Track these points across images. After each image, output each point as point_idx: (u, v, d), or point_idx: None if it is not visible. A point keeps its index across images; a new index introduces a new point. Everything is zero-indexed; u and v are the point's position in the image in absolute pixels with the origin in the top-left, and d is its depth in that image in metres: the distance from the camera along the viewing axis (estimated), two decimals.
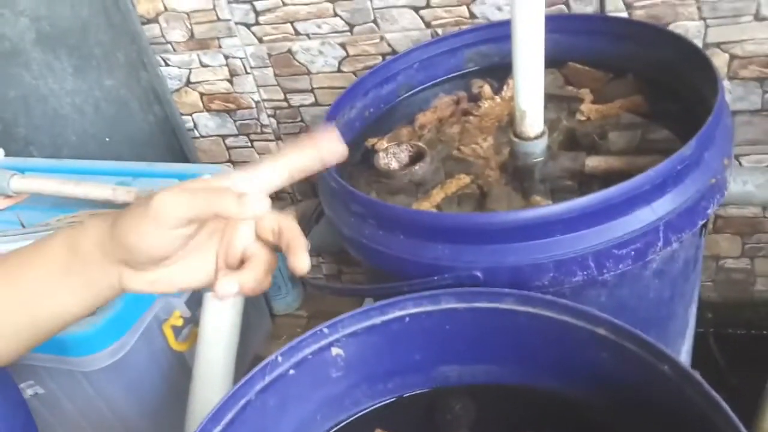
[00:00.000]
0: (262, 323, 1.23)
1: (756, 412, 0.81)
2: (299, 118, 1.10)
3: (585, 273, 0.56)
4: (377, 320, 0.58)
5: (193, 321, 0.97)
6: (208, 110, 1.13)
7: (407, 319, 0.58)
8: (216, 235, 0.46)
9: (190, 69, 1.09)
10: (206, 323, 0.92)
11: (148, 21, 1.05)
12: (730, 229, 1.03)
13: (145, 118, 1.15)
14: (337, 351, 0.58)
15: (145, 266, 0.45)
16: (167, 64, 1.09)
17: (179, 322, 0.92)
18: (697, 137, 0.56)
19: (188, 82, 1.10)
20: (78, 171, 1.14)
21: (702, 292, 1.08)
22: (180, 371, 0.99)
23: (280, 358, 0.55)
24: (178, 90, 1.12)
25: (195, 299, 0.94)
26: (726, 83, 0.88)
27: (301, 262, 0.44)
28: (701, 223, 0.59)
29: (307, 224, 0.82)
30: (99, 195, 1.03)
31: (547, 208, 0.54)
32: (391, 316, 0.58)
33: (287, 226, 0.45)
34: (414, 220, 0.58)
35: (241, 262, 0.46)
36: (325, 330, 0.57)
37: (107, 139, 1.20)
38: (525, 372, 0.60)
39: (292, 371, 0.56)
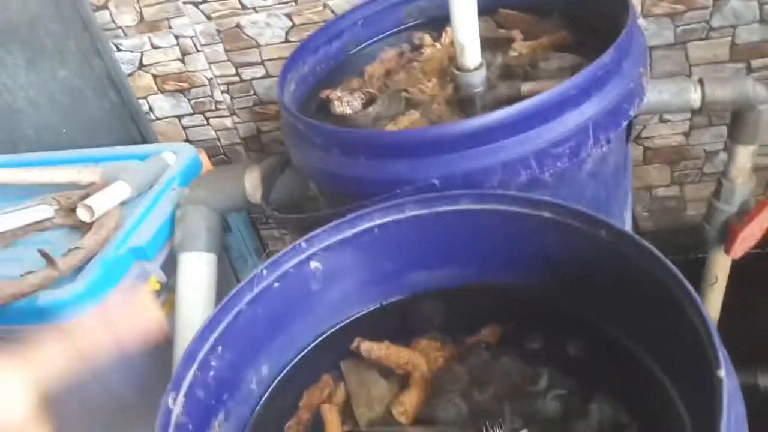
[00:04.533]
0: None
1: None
2: (252, 92, 1.15)
3: (528, 172, 0.63)
4: (348, 233, 0.64)
5: (170, 288, 1.01)
6: (162, 92, 1.17)
7: (376, 230, 0.64)
8: None
9: (141, 52, 1.13)
10: (182, 287, 0.96)
11: (98, 8, 1.09)
12: (658, 159, 1.12)
13: (100, 106, 1.19)
14: (316, 265, 0.64)
15: None
16: (119, 49, 1.13)
17: (156, 287, 0.96)
18: (614, 46, 0.64)
19: (141, 66, 1.14)
20: (38, 163, 1.16)
21: (639, 222, 1.18)
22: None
23: (264, 272, 0.61)
24: (131, 74, 1.16)
25: (170, 264, 0.98)
26: (641, 21, 0.97)
27: None
28: (625, 123, 0.67)
29: (272, 177, 0.88)
30: (64, 178, 1.06)
31: (491, 115, 0.61)
32: (360, 228, 0.64)
33: None
34: (374, 141, 0.65)
35: None
36: (303, 244, 0.63)
37: (64, 130, 1.23)
38: (484, 270, 0.67)
39: (276, 284, 0.62)
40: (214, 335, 0.57)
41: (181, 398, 0.53)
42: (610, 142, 0.67)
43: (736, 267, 0.93)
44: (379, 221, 0.64)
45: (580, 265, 0.59)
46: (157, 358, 1.01)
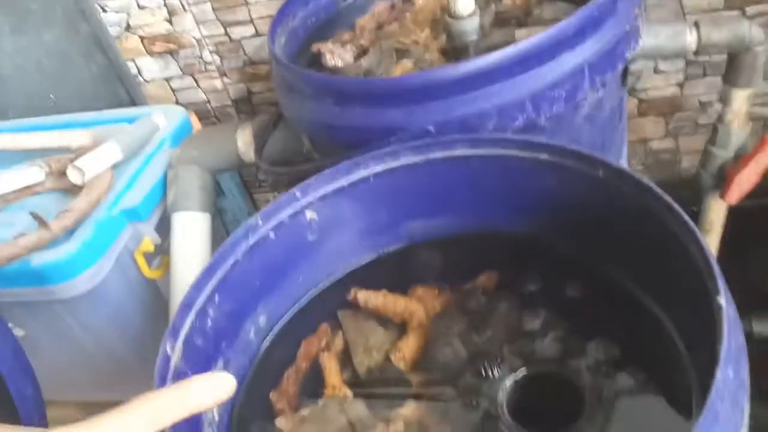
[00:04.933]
0: None
1: None
2: (241, 52, 1.13)
3: (524, 116, 0.63)
4: (344, 182, 0.63)
5: (164, 250, 1.00)
6: (151, 54, 1.15)
7: (371, 179, 0.64)
8: None
9: (128, 13, 1.11)
10: (177, 247, 0.96)
11: None
12: (653, 112, 1.12)
13: (88, 70, 1.17)
14: (311, 215, 0.64)
15: None
16: (105, 11, 1.11)
17: (150, 248, 0.95)
18: None
19: (128, 27, 1.12)
20: (27, 129, 1.15)
21: None
22: (156, 301, 1.02)
23: (260, 221, 0.60)
24: (118, 36, 1.14)
25: (164, 227, 0.98)
26: None
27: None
28: (621, 66, 0.66)
29: (264, 133, 0.87)
30: (54, 143, 1.05)
31: (486, 58, 0.60)
32: (356, 177, 0.63)
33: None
34: (368, 88, 0.64)
35: None
36: (298, 194, 0.62)
37: (52, 96, 1.21)
38: (480, 218, 0.66)
39: (272, 234, 0.61)
40: (211, 284, 0.56)
41: (179, 345, 0.52)
42: (606, 85, 0.66)
43: (731, 217, 0.93)
44: (374, 169, 0.63)
45: (578, 207, 0.59)
46: (154, 321, 1.01)
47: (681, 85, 1.08)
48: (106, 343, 0.98)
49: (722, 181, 0.82)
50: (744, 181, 0.77)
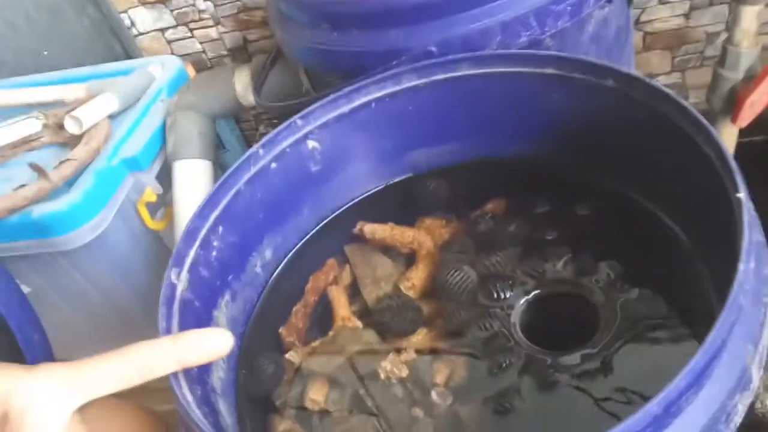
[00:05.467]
0: None
1: None
2: None
3: (528, 33, 0.61)
4: (345, 108, 0.62)
5: (167, 202, 0.99)
6: (143, 3, 1.13)
7: (373, 104, 0.62)
8: None
9: None
10: (179, 195, 0.94)
11: None
12: (659, 45, 1.09)
13: (80, 23, 1.15)
14: (313, 144, 0.62)
15: None
16: None
17: (153, 198, 0.94)
18: None
19: None
20: (21, 86, 1.13)
21: None
22: (161, 254, 1.01)
23: (261, 151, 0.59)
24: None
25: (165, 177, 0.96)
26: None
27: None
28: None
29: (262, 73, 0.85)
30: (49, 97, 1.03)
31: None
32: (357, 102, 0.62)
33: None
34: (365, 8, 0.62)
35: None
36: (299, 122, 0.61)
37: (45, 52, 1.19)
38: (485, 144, 0.65)
39: (273, 164, 0.60)
40: (215, 213, 0.55)
41: (185, 274, 0.51)
42: (611, 1, 0.64)
43: (741, 152, 0.91)
44: (376, 94, 0.61)
45: (587, 123, 0.57)
46: (159, 274, 1.01)
47: (687, 16, 1.05)
48: (111, 296, 0.98)
49: (732, 105, 0.80)
50: (756, 103, 0.75)
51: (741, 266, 0.36)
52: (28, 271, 0.95)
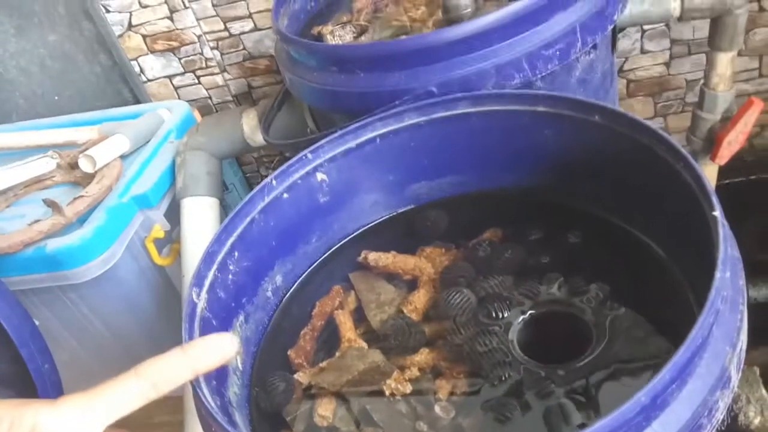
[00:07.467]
0: None
1: None
2: (241, 47, 1.17)
3: (521, 75, 0.66)
4: (352, 143, 0.66)
5: (174, 238, 1.03)
6: (153, 52, 1.18)
7: (378, 140, 0.67)
8: None
9: (130, 12, 1.14)
10: (187, 232, 0.98)
11: None
12: (642, 91, 1.15)
13: (92, 70, 1.20)
14: (322, 176, 0.67)
15: None
16: (108, 11, 1.14)
17: (161, 235, 0.98)
18: None
19: (130, 26, 1.16)
20: (33, 129, 1.17)
21: None
22: (166, 289, 1.04)
23: (274, 182, 0.63)
24: (121, 35, 1.17)
25: (173, 213, 1.00)
26: None
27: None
28: (610, 27, 0.70)
29: (269, 114, 0.90)
30: (62, 138, 1.08)
31: (483, 19, 0.64)
32: (363, 138, 0.66)
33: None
34: (371, 53, 0.67)
35: None
36: (309, 155, 0.65)
37: (56, 98, 1.24)
38: (482, 177, 0.70)
39: (285, 195, 0.64)
40: (231, 239, 0.59)
41: (204, 294, 0.55)
42: (597, 47, 0.70)
43: (723, 194, 0.96)
44: (380, 130, 0.66)
45: (576, 156, 0.62)
46: (165, 309, 1.04)
47: (667, 65, 1.12)
48: (117, 329, 1.00)
49: (711, 144, 0.85)
50: (732, 142, 0.81)
51: (718, 274, 0.41)
52: (37, 304, 0.97)
